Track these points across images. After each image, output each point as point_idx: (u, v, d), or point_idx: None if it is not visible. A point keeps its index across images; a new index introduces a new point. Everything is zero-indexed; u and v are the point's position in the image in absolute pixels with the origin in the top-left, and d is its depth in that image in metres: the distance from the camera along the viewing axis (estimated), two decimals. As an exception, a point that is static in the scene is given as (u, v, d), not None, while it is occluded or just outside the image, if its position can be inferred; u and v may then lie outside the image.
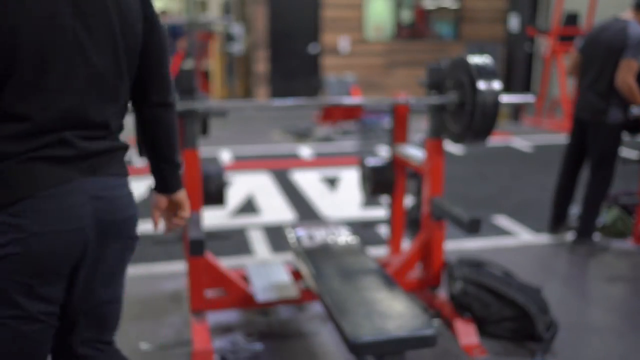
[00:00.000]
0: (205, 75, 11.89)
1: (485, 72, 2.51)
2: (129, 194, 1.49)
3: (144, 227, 4.26)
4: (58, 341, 1.46)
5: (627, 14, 3.57)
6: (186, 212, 1.69)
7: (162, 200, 1.65)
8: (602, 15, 8.70)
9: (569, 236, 3.87)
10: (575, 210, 4.07)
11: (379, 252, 3.62)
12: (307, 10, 10.61)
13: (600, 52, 3.54)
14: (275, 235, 3.98)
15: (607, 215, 4.00)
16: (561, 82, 8.42)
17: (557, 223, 3.97)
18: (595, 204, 3.68)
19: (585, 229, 3.71)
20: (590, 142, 3.66)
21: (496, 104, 2.50)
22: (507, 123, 8.84)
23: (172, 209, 1.68)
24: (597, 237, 3.84)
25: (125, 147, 1.46)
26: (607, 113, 3.53)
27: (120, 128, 1.45)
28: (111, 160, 1.40)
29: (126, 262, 1.52)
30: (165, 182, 1.62)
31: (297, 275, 2.85)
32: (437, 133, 2.77)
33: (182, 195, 1.66)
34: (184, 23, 10.98)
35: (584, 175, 3.81)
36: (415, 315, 2.01)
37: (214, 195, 2.70)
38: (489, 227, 4.17)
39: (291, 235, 2.84)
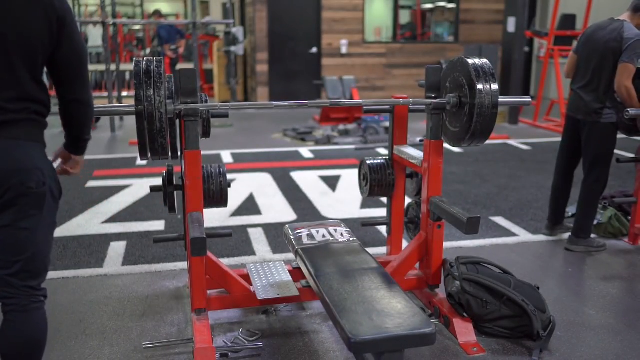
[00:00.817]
0: (206, 76, 11.92)
1: (483, 74, 2.55)
2: (28, 154, 1.81)
3: (146, 226, 4.30)
4: None
5: (624, 16, 3.61)
6: (74, 171, 2.10)
7: (64, 152, 2.07)
8: (598, 17, 8.74)
9: (566, 236, 3.90)
10: (570, 210, 4.10)
11: (378, 251, 3.65)
12: (307, 12, 10.64)
13: (596, 52, 3.57)
14: (276, 235, 4.01)
15: (602, 215, 4.03)
16: (558, 84, 8.46)
17: (554, 223, 4.00)
18: (591, 204, 3.72)
19: (581, 228, 3.74)
20: (584, 142, 3.69)
21: (494, 105, 2.54)
22: (505, 124, 8.88)
23: (70, 164, 2.09)
24: (596, 238, 3.87)
25: (31, 120, 1.82)
26: (601, 113, 3.56)
27: (24, 108, 1.80)
28: (12, 128, 1.78)
29: (27, 210, 1.80)
30: (70, 145, 2.05)
31: (297, 274, 2.88)
32: (436, 134, 2.80)
33: (79, 159, 2.09)
34: (177, 26, 10.95)
35: (579, 174, 3.85)
36: (415, 313, 2.03)
37: (216, 195, 2.73)
38: (487, 226, 4.21)
39: (291, 235, 2.87)
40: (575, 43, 3.91)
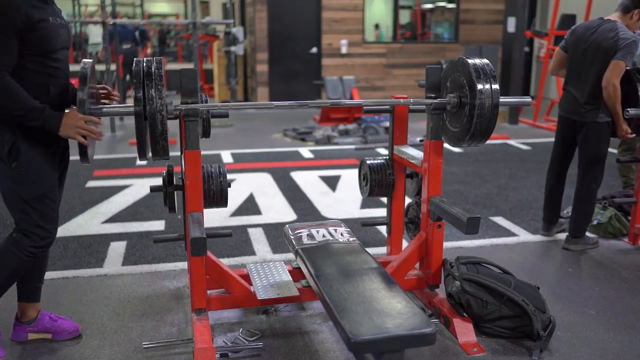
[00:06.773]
0: (206, 76, 11.92)
1: (484, 74, 2.54)
2: None
3: (146, 226, 4.30)
4: None
5: (613, 16, 3.59)
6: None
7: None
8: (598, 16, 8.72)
9: (563, 235, 3.90)
10: (569, 210, 4.09)
11: (378, 251, 3.65)
12: (307, 13, 10.64)
13: (589, 53, 3.55)
14: (276, 235, 4.01)
15: (602, 215, 4.03)
16: (558, 84, 8.46)
17: (550, 222, 4.00)
18: (588, 204, 3.72)
19: (579, 228, 3.75)
20: (581, 142, 3.68)
21: (495, 106, 2.54)
22: (505, 124, 8.88)
23: None
24: (590, 236, 3.90)
25: None
26: (597, 113, 3.55)
27: None
28: None
29: None
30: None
31: (297, 274, 2.88)
32: (436, 134, 2.80)
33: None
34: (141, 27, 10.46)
35: (572, 174, 3.84)
36: (415, 313, 2.03)
37: (216, 195, 2.73)
38: (487, 226, 4.21)
39: (291, 235, 2.87)
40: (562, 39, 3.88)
